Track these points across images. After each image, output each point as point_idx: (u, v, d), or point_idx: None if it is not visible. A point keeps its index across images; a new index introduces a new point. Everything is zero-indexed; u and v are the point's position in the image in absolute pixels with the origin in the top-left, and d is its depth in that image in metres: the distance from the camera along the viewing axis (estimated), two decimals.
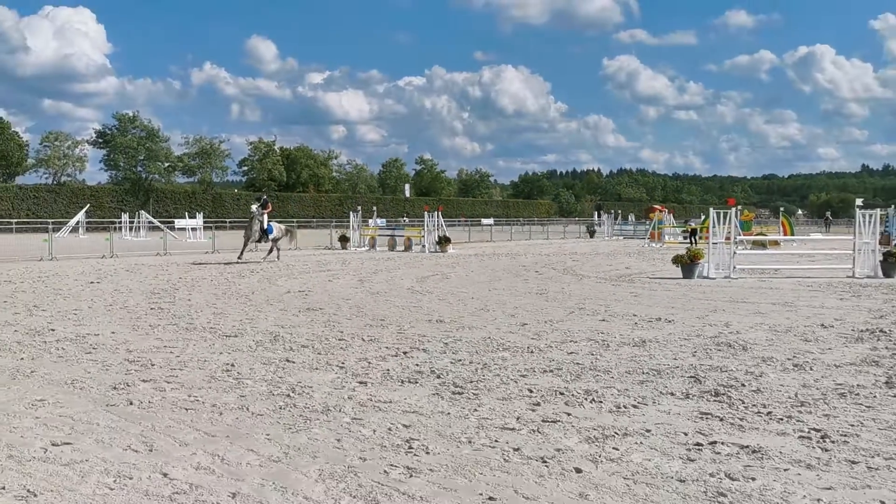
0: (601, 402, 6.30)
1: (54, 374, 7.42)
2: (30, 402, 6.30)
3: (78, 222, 46.39)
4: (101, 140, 73.35)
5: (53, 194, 65.40)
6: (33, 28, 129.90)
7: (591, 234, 54.23)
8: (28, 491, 4.30)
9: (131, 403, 6.26)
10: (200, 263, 23.16)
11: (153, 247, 31.73)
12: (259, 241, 24.11)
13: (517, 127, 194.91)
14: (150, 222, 46.32)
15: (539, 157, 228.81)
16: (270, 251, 24.42)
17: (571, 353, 8.49)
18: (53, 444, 5.16)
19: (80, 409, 6.10)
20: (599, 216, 60.41)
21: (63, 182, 71.34)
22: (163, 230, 37.79)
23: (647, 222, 49.07)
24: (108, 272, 19.98)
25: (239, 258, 23.34)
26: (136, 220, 47.34)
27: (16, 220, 51.70)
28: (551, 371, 7.50)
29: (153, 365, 7.84)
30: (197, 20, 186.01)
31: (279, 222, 27.24)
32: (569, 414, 5.94)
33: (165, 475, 4.57)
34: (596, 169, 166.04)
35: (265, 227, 23.78)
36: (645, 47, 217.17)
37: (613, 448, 5.07)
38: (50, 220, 34.17)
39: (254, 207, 24.14)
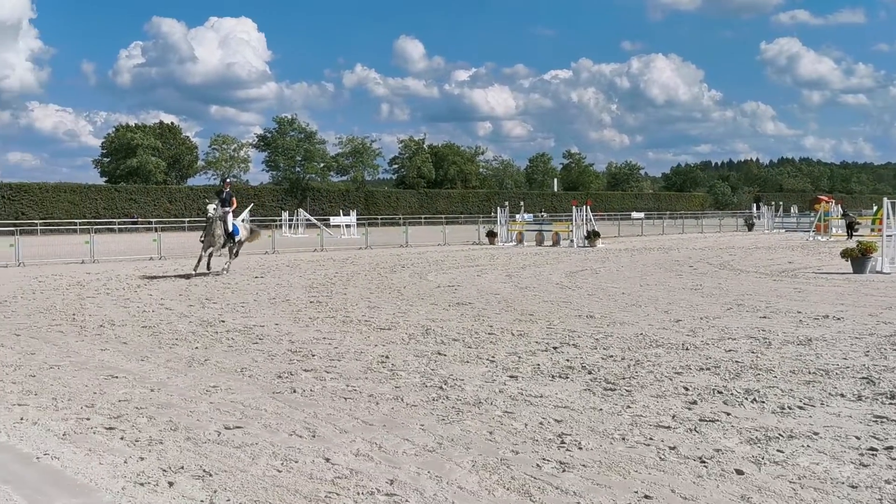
0: (763, 402, 6.01)
1: (225, 362, 7.94)
2: (204, 388, 6.77)
3: (243, 220, 49.31)
4: (262, 142, 77.64)
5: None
6: (200, 39, 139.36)
7: (750, 227, 51.77)
8: (204, 471, 4.63)
9: (294, 391, 6.60)
10: (154, 277, 23.68)
11: (311, 243, 33.21)
12: (224, 245, 18.65)
13: (668, 117, 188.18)
14: (307, 220, 48.54)
15: (692, 147, 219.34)
16: (235, 255, 19.59)
17: (730, 350, 8.16)
18: (226, 428, 5.52)
19: (248, 395, 6.50)
20: (758, 208, 57.44)
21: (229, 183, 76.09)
22: (319, 227, 39.47)
23: (812, 214, 46.27)
24: (271, 267, 21.13)
25: (196, 269, 18.07)
26: (294, 217, 49.76)
27: (188, 219, 55.54)
28: (708, 369, 7.24)
29: (313, 355, 8.22)
30: (348, 24, 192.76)
31: (250, 221, 23.39)
32: (728, 413, 5.71)
33: (328, 460, 4.79)
34: (754, 159, 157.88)
35: (230, 228, 18.30)
36: (808, 28, 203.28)
37: (777, 450, 4.83)
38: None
39: (211, 207, 18.19)
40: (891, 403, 5.91)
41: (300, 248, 30.82)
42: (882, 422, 5.42)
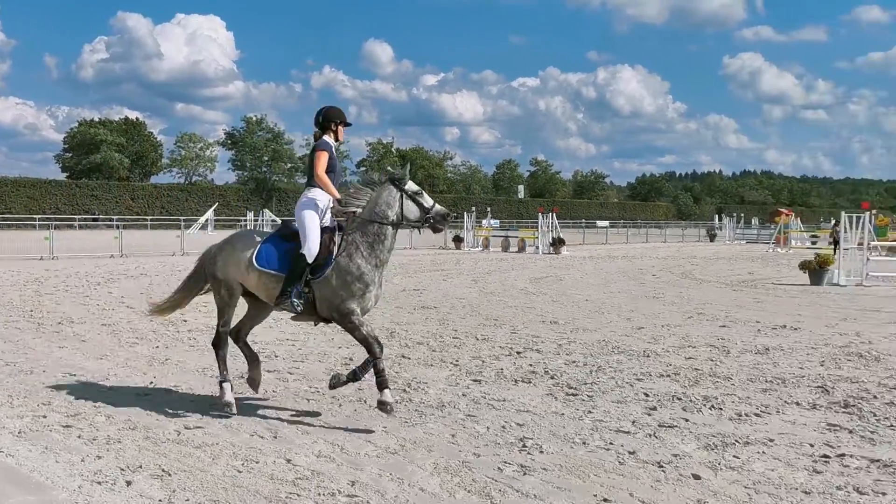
0: (721, 409, 6.12)
1: (187, 362, 7.85)
2: (164, 389, 6.69)
3: (207, 220, 48.82)
4: (230, 141, 76.90)
5: (185, 193, 69.07)
6: (166, 35, 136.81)
7: (712, 237, 52.56)
8: (163, 470, 4.58)
9: (266, 392, 6.54)
10: None
11: None
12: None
13: (633, 128, 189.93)
14: (273, 221, 48.17)
15: (657, 158, 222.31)
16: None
17: (689, 358, 8.28)
18: (186, 428, 5.47)
19: (208, 394, 6.43)
20: (720, 219, 58.39)
21: (194, 181, 75.28)
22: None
23: (772, 226, 47.12)
24: None
25: None
26: (259, 218, 49.38)
27: (150, 217, 54.79)
28: (668, 376, 7.34)
29: (277, 356, 8.17)
30: (317, 26, 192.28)
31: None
32: (686, 420, 5.81)
33: (289, 461, 4.78)
34: (717, 171, 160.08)
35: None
36: (770, 44, 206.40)
37: (734, 456, 4.92)
38: (182, 218, 36.09)
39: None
40: (844, 412, 6.05)
41: None
42: (835, 430, 5.55)
